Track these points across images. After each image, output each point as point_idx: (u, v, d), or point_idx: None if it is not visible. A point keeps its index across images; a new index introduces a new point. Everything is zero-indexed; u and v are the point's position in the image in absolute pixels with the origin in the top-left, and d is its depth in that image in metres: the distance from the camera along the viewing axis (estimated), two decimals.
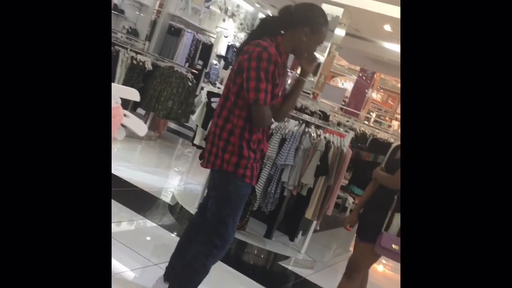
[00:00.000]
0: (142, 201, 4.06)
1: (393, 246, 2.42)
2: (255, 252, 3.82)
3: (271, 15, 2.19)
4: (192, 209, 4.07)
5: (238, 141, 2.08)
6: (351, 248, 5.40)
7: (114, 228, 3.21)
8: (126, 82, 5.92)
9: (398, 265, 4.98)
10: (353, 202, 6.44)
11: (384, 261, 4.47)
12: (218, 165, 2.12)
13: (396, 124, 12.53)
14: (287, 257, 3.84)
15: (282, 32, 2.13)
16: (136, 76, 6.13)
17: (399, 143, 3.55)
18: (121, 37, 7.05)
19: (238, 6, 11.00)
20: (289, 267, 3.72)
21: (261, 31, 2.13)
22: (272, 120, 2.15)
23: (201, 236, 2.25)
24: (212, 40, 8.48)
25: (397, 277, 4.67)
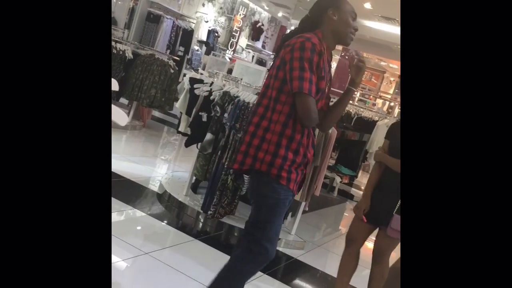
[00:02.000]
0: (130, 191, 4.04)
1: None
2: None
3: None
4: (181, 196, 4.07)
5: (277, 138, 1.91)
6: (341, 227, 5.47)
7: None
8: None
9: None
10: (340, 182, 6.50)
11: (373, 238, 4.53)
12: (249, 164, 1.94)
13: (380, 102, 12.60)
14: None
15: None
16: (117, 65, 6.05)
17: (393, 122, 3.57)
18: None
19: None
20: (280, 249, 3.76)
21: (301, 30, 2.03)
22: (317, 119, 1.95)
23: (241, 244, 2.08)
24: (193, 25, 8.39)
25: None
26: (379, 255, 2.78)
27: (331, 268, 3.14)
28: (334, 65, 11.56)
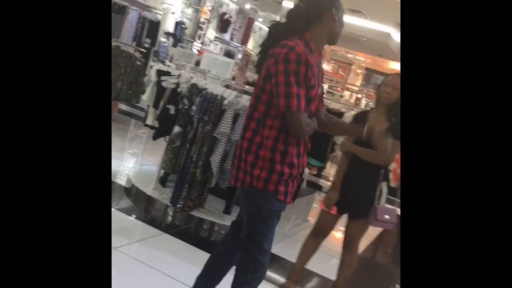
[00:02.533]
0: None
1: (385, 216, 2.63)
2: (215, 228, 3.84)
3: (280, 19, 2.01)
4: (149, 190, 4.02)
5: (270, 154, 1.86)
6: (310, 218, 5.52)
7: None
8: None
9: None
10: (309, 173, 6.56)
11: (342, 228, 4.60)
12: (248, 182, 1.92)
13: (347, 94, 12.77)
14: None
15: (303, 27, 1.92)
16: None
17: (355, 112, 3.62)
18: None
19: None
20: None
21: (283, 32, 1.89)
22: (313, 127, 1.92)
23: (238, 264, 2.07)
24: (159, 17, 8.26)
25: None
26: (350, 242, 2.85)
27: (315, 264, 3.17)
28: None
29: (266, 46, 1.91)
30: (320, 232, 2.91)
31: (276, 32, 1.91)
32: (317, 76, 1.88)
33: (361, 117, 2.75)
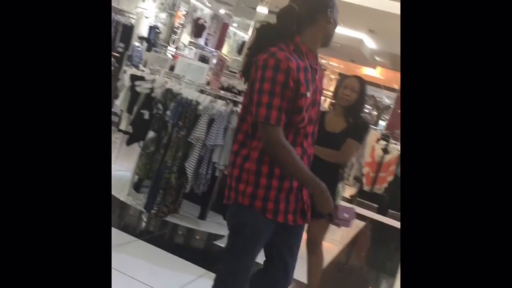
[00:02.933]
0: None
1: (345, 215, 2.66)
2: (190, 234, 3.82)
3: (270, 22, 1.78)
4: (123, 196, 3.98)
5: (255, 166, 1.68)
6: None
7: None
8: None
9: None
10: None
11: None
12: (232, 198, 1.74)
13: (321, 99, 12.96)
14: (222, 236, 3.87)
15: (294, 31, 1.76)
16: None
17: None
18: None
19: None
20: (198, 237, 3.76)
21: (272, 35, 1.73)
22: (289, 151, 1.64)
23: (216, 276, 1.87)
24: (133, 21, 8.19)
25: (326, 244, 4.87)
26: (314, 245, 2.89)
27: None
28: None
29: (253, 50, 1.74)
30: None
31: (264, 35, 1.74)
32: (311, 81, 1.72)
33: (321, 117, 2.82)
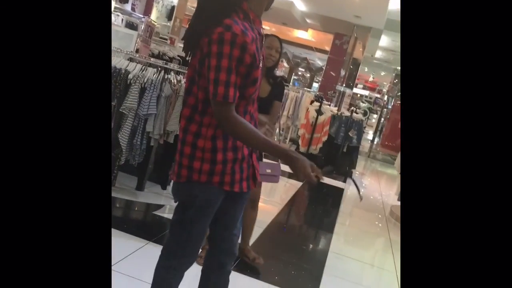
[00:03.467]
0: None
1: (267, 170, 2.82)
2: (128, 206, 3.76)
3: None
4: None
5: (211, 143, 1.65)
6: None
7: None
8: None
9: (264, 196, 5.30)
10: None
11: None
12: (184, 176, 1.68)
13: None
14: (161, 206, 3.84)
15: None
16: None
17: None
18: None
19: None
20: (165, 215, 3.74)
21: (220, 8, 1.61)
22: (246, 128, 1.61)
23: (164, 247, 1.85)
24: None
25: (266, 206, 4.98)
26: (254, 202, 3.07)
27: None
28: None
29: (200, 20, 1.64)
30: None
31: (210, 2, 1.64)
32: (260, 50, 1.68)
33: None
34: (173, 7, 9.88)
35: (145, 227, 3.57)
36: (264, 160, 2.95)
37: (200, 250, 3.08)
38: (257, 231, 3.87)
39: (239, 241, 3.07)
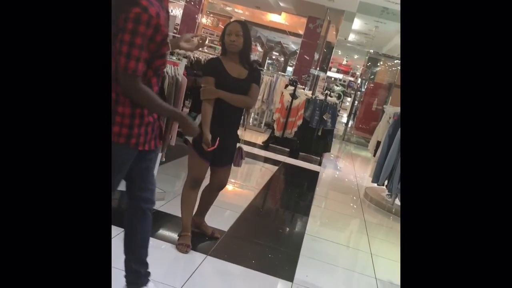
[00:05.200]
0: None
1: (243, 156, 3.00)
2: None
3: None
4: None
5: (130, 110, 1.87)
6: None
7: None
8: None
9: (243, 183, 5.31)
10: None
11: (232, 180, 4.72)
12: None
13: (219, 43, 12.83)
14: None
15: None
16: None
17: (210, 58, 3.82)
18: None
19: None
20: None
21: None
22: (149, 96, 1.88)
23: None
24: None
25: (242, 191, 4.99)
26: (222, 186, 3.11)
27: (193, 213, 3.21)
28: (179, 12, 11.30)
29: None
30: (196, 183, 3.05)
31: None
32: (168, 27, 1.91)
33: (214, 65, 2.89)
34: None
35: (120, 214, 3.53)
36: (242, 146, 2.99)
37: (179, 239, 3.08)
38: (234, 215, 3.88)
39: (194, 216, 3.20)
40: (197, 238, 3.16)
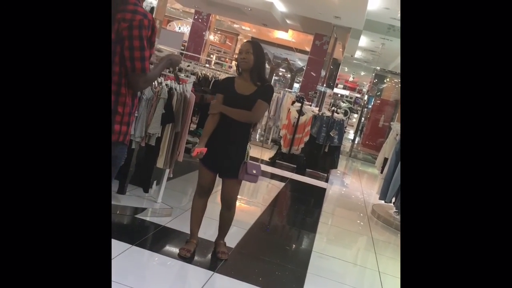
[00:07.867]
0: None
1: (253, 171, 2.97)
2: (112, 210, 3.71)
3: None
4: None
5: (129, 109, 2.09)
6: None
7: None
8: None
9: (249, 199, 5.30)
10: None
11: (239, 196, 4.71)
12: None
13: (235, 64, 12.91)
14: (144, 209, 3.81)
15: None
16: None
17: (223, 77, 3.84)
18: None
19: None
20: (147, 218, 3.72)
21: None
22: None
23: None
24: None
25: (249, 207, 4.98)
26: (231, 202, 3.12)
27: (200, 229, 3.20)
28: (187, 29, 11.40)
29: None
30: (202, 191, 3.11)
31: None
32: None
33: (225, 83, 3.05)
34: (152, 8, 9.79)
35: (128, 230, 3.54)
36: (249, 161, 3.00)
37: (185, 244, 3.10)
38: (241, 232, 3.87)
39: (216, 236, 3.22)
40: (204, 255, 3.15)
